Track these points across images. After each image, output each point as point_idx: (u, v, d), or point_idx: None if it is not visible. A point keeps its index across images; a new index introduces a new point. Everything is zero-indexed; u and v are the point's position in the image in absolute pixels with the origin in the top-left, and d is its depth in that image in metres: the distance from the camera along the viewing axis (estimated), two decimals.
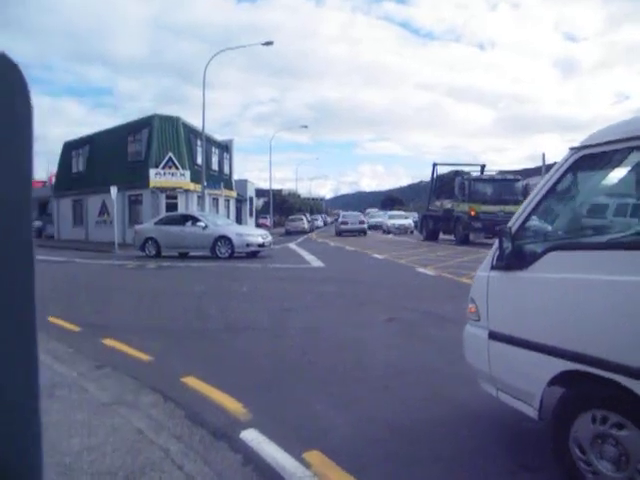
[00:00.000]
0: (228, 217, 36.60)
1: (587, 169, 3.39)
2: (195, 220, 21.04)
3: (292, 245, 28.91)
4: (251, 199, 55.68)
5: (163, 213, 27.60)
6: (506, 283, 3.50)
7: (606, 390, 2.81)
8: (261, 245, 20.35)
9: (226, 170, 43.36)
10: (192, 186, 32.42)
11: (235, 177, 47.64)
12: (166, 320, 8.58)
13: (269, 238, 21.14)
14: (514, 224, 3.46)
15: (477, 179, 26.75)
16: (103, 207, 34.30)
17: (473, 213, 24.27)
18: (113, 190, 25.77)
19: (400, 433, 4.03)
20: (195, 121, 33.84)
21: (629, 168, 3.31)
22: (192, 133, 34.67)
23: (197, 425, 4.20)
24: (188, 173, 32.43)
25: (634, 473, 2.65)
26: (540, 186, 3.43)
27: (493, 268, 3.57)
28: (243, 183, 52.01)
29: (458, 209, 26.11)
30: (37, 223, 42.96)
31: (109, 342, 6.90)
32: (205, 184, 29.53)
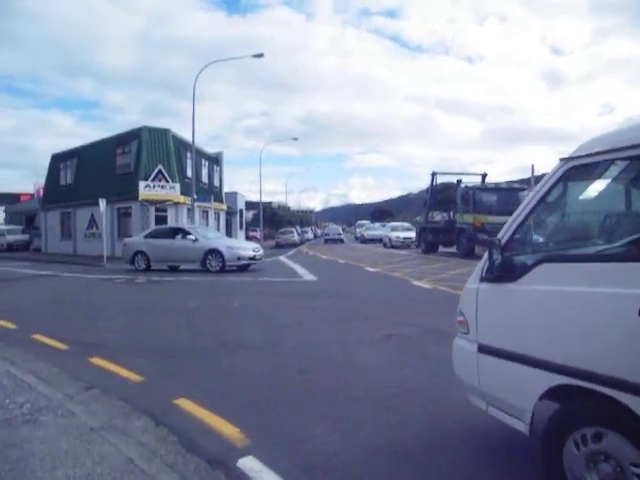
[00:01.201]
0: (218, 230, 36.35)
1: (577, 180, 3.34)
2: (185, 233, 20.80)
3: (283, 258, 28.71)
4: (241, 212, 55.44)
5: (153, 226, 27.30)
6: (496, 295, 3.43)
7: (600, 405, 2.74)
8: (252, 258, 20.13)
9: (216, 183, 43.17)
10: (182, 199, 32.15)
11: (225, 190, 47.42)
12: (156, 337, 8.30)
13: (260, 251, 20.94)
14: (504, 236, 3.43)
15: (481, 189, 25.38)
16: (92, 220, 33.96)
17: (478, 224, 23.22)
18: (102, 203, 25.49)
19: (406, 460, 3.80)
20: (185, 134, 33.57)
21: (619, 178, 3.27)
22: (182, 145, 34.45)
23: (191, 452, 3.95)
24: (178, 186, 32.17)
25: None
26: (530, 197, 3.41)
27: (482, 280, 3.51)
28: (233, 196, 51.79)
29: (461, 220, 25.23)
30: (24, 236, 42.53)
31: (97, 361, 6.64)
32: (195, 197, 29.30)
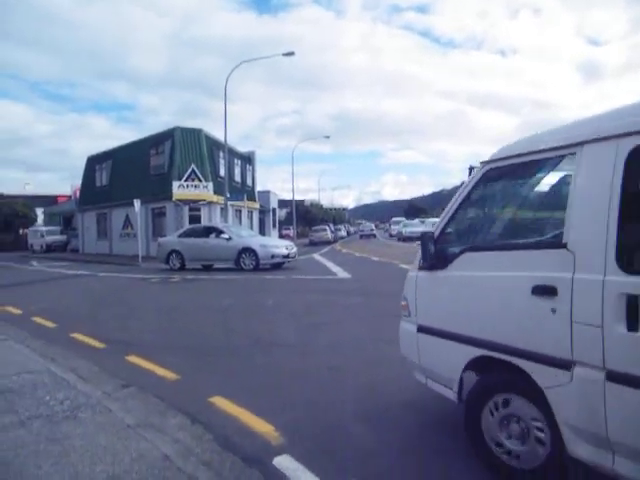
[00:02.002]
0: (251, 228, 36.55)
1: (495, 181, 3.84)
2: (219, 232, 20.94)
3: (317, 256, 28.71)
4: (274, 210, 55.65)
5: (186, 225, 27.57)
6: (430, 281, 4.00)
7: (508, 374, 3.30)
8: (286, 256, 20.17)
9: (249, 182, 43.41)
10: (215, 198, 32.41)
11: (258, 188, 47.66)
12: (192, 336, 8.38)
13: (294, 249, 20.95)
14: (436, 230, 4.01)
15: None
16: (127, 220, 34.49)
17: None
18: (136, 203, 25.86)
19: (453, 461, 3.74)
20: (218, 133, 33.82)
21: (531, 180, 3.69)
22: (214, 145, 34.72)
23: (227, 450, 3.96)
24: (211, 185, 32.44)
25: (532, 450, 3.20)
26: (457, 196, 3.94)
27: (420, 269, 4.08)
28: (266, 194, 52.00)
29: None
30: (62, 237, 43.47)
31: (134, 359, 6.73)
32: (228, 196, 29.49)
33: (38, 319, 10.04)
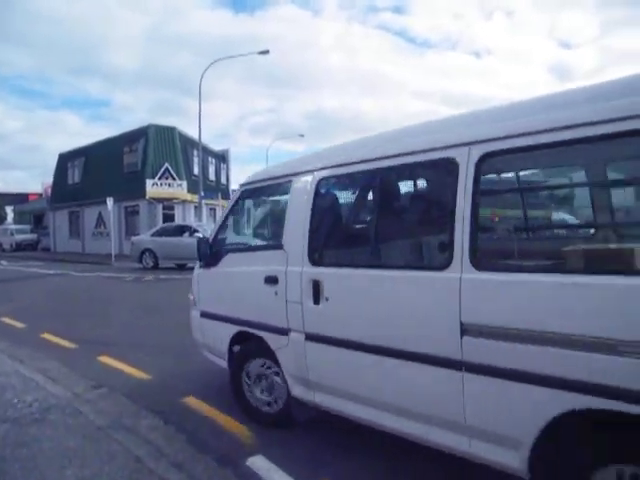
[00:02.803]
0: None
1: (248, 199, 5.16)
2: (193, 231, 20.75)
3: None
4: None
5: (160, 224, 27.31)
6: (206, 276, 5.03)
7: (258, 343, 4.32)
8: None
9: (223, 180, 43.18)
10: (189, 196, 32.15)
11: (232, 187, 47.42)
12: (165, 336, 8.28)
13: None
14: (211, 236, 5.03)
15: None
16: (99, 219, 34.02)
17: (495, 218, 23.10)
18: (109, 201, 25.54)
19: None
20: (193, 131, 33.55)
21: (270, 198, 5.07)
22: (188, 143, 34.44)
23: (200, 451, 3.94)
24: (185, 183, 32.17)
25: (277, 397, 4.34)
26: (225, 209, 5.17)
27: (200, 267, 5.10)
28: None
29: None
30: (32, 236, 42.71)
31: (106, 360, 6.65)
32: (202, 194, 29.27)
33: (7, 319, 9.86)
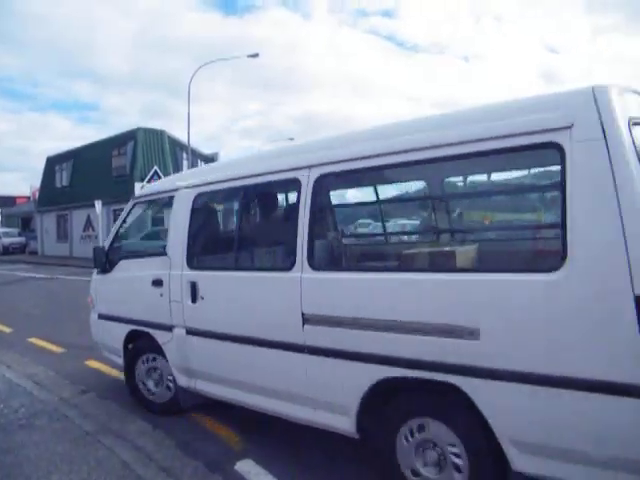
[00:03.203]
0: None
1: (139, 210, 5.68)
2: None
3: None
4: None
5: (149, 228, 27.22)
6: (102, 281, 5.46)
7: (148, 340, 4.80)
8: None
9: None
10: None
11: None
12: None
13: None
14: (107, 244, 5.44)
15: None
16: (88, 222, 33.79)
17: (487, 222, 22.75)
18: (98, 204, 25.43)
19: None
20: (181, 135, 33.55)
21: (154, 211, 5.93)
22: (178, 146, 34.31)
23: (189, 456, 3.93)
24: None
25: (166, 387, 4.83)
26: (118, 219, 5.57)
27: (98, 273, 5.51)
28: None
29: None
30: (20, 239, 42.39)
31: (94, 364, 6.61)
32: None
33: None
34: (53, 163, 38.95)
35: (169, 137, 34.06)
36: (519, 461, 2.65)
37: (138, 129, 33.04)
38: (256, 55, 28.56)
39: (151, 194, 5.28)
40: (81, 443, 4.08)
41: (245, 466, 3.72)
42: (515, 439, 2.65)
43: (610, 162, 2.38)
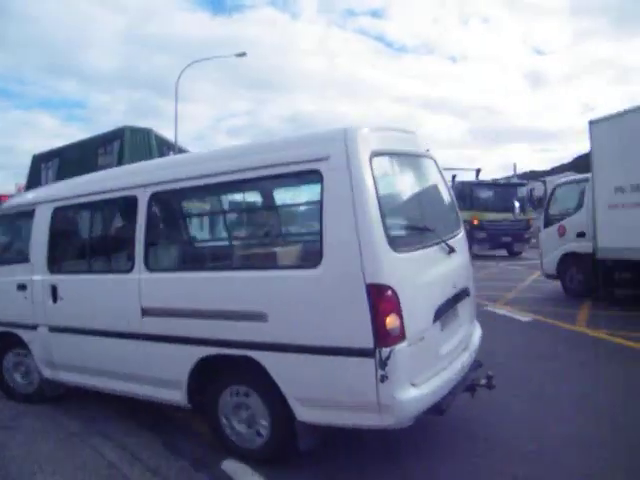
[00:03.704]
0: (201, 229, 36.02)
1: (6, 221, 6.08)
2: None
3: None
4: None
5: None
6: None
7: (16, 339, 5.15)
8: None
9: None
10: None
11: None
12: None
13: None
14: None
15: (479, 184, 23.31)
16: None
17: (476, 222, 21.12)
18: None
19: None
20: (169, 134, 33.35)
21: (20, 222, 5.73)
22: (165, 145, 34.08)
23: (175, 455, 3.92)
24: None
25: (32, 380, 5.21)
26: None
27: None
28: None
29: None
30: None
31: None
32: None
33: None
34: (39, 161, 38.60)
35: (156, 136, 33.84)
36: (302, 413, 3.43)
37: (125, 128, 32.82)
38: (244, 54, 28.46)
39: (17, 206, 5.79)
40: (67, 443, 4.08)
41: (231, 465, 3.70)
42: (298, 396, 3.43)
43: (351, 185, 3.22)
